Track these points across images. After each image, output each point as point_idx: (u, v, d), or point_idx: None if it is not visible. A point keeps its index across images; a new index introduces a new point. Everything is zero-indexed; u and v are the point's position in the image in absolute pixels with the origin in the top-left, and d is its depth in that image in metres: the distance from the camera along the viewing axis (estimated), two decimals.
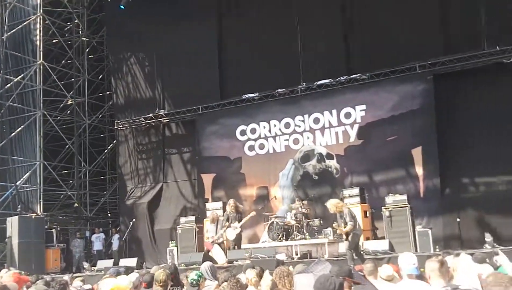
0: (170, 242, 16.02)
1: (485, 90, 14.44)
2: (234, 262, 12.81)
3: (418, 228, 12.57)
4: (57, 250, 17.06)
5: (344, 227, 10.97)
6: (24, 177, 18.60)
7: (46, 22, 20.28)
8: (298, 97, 16.69)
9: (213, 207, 15.64)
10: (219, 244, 14.05)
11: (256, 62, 17.51)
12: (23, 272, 10.05)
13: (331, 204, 11.31)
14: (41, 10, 19.73)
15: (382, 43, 15.69)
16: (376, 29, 15.85)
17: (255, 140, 17.08)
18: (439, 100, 14.73)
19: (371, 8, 16.04)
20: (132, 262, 14.38)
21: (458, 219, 13.15)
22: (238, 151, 17.33)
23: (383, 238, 13.11)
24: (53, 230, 17.44)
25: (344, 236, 11.25)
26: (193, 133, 18.41)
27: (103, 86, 22.99)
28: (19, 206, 17.70)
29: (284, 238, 13.56)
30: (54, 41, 21.71)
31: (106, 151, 22.72)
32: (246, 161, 17.18)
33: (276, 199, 16.14)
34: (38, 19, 19.74)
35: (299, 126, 16.47)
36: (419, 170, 14.52)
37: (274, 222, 13.93)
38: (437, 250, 11.96)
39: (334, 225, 11.70)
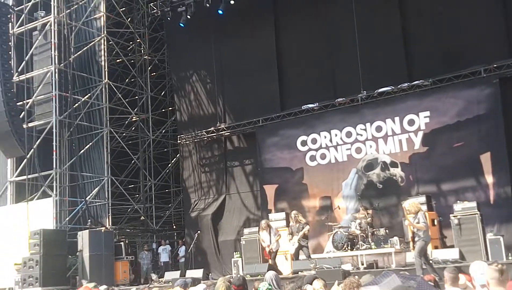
0: (234, 253, 16.12)
1: None
2: (299, 272, 12.75)
3: (489, 235, 12.11)
4: (126, 262, 17.45)
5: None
6: (93, 192, 19.26)
7: (110, 42, 21.05)
8: (358, 105, 16.54)
9: (276, 218, 15.59)
10: (275, 252, 13.99)
11: (315, 72, 17.54)
12: (93, 284, 10.27)
13: (412, 203, 10.80)
14: (105, 32, 20.48)
15: (444, 47, 15.43)
16: (437, 32, 15.59)
17: (316, 150, 17.03)
18: (506, 103, 14.28)
19: (432, 11, 15.78)
20: (198, 273, 14.54)
21: None
22: (299, 161, 17.32)
23: (452, 246, 12.72)
24: (122, 243, 17.89)
25: (411, 241, 10.93)
26: (254, 145, 18.54)
27: (165, 102, 23.65)
28: (89, 220, 18.32)
29: (349, 248, 13.40)
30: (117, 60, 22.54)
31: (169, 165, 23.29)
32: (308, 172, 17.14)
33: (339, 209, 15.97)
34: (102, 40, 20.50)
35: (361, 135, 16.31)
36: (489, 176, 14.07)
37: (338, 232, 13.78)
38: (510, 258, 11.52)
39: (403, 203, 11.17)
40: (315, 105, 17.12)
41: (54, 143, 18.32)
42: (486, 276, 4.47)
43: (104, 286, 9.73)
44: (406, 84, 15.65)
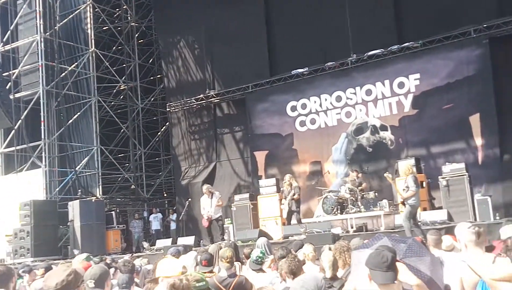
0: (225, 219, 16.12)
1: None
2: (290, 237, 12.78)
3: (477, 196, 12.09)
4: (117, 231, 17.53)
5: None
6: (82, 162, 19.21)
7: (96, 10, 20.71)
8: (348, 69, 16.37)
9: (266, 184, 15.59)
10: (216, 220, 13.97)
11: (304, 36, 17.23)
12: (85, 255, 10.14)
13: (405, 166, 10.91)
14: None
15: (434, 7, 15.15)
16: None
17: (306, 115, 16.92)
18: (496, 64, 14.12)
19: None
20: (189, 240, 14.57)
21: None
22: (289, 127, 17.24)
23: (440, 208, 12.75)
24: (113, 212, 17.94)
25: (401, 204, 10.96)
26: (244, 111, 18.42)
27: (154, 70, 23.40)
28: (79, 190, 18.30)
29: (338, 211, 13.42)
30: (104, 28, 22.19)
31: (159, 133, 23.20)
32: (298, 137, 17.08)
33: (329, 173, 15.99)
34: (88, 8, 20.15)
35: (351, 99, 16.18)
36: (478, 138, 14.05)
37: (328, 196, 13.79)
38: (497, 218, 11.55)
39: (385, 174, 11.25)
40: (305, 69, 16.93)
41: (42, 114, 18.18)
42: (463, 239, 4.48)
43: (97, 259, 9.68)
44: (396, 46, 15.45)
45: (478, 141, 14.03)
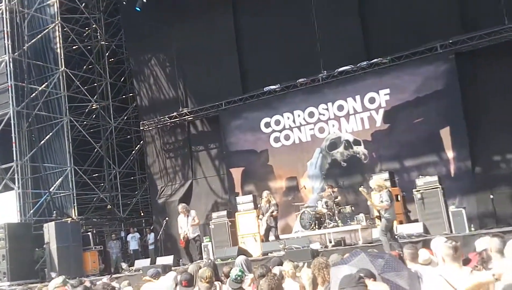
0: (204, 237, 16.16)
1: (509, 65, 14.22)
2: (269, 254, 12.92)
3: (451, 208, 12.48)
4: (95, 253, 17.34)
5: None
6: (56, 183, 18.93)
7: (65, 29, 20.51)
8: (320, 85, 16.65)
9: (243, 201, 15.68)
10: (193, 239, 14.11)
11: (276, 53, 17.47)
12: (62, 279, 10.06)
13: (377, 181, 10.99)
14: (59, 18, 19.93)
15: (401, 24, 15.59)
16: (393, 10, 15.72)
17: (280, 131, 17.14)
18: (463, 78, 14.59)
19: None
20: (168, 260, 14.59)
21: (491, 196, 13.05)
22: (264, 143, 17.41)
23: (416, 221, 13.09)
24: (89, 233, 17.75)
25: (376, 218, 11.20)
26: (218, 129, 18.53)
27: (126, 88, 23.31)
28: (54, 211, 18.04)
29: (316, 226, 13.64)
30: (74, 47, 22.04)
31: (133, 152, 23.06)
32: (273, 153, 17.27)
33: (305, 189, 16.20)
34: (56, 27, 19.98)
35: (323, 115, 16.48)
36: (449, 150, 14.44)
37: (305, 212, 14.00)
38: (473, 229, 11.93)
39: (360, 188, 11.43)
40: (277, 86, 17.15)
41: (13, 135, 17.92)
42: (440, 253, 4.67)
43: (73, 281, 9.63)
44: (365, 63, 15.82)
45: (450, 153, 14.42)
